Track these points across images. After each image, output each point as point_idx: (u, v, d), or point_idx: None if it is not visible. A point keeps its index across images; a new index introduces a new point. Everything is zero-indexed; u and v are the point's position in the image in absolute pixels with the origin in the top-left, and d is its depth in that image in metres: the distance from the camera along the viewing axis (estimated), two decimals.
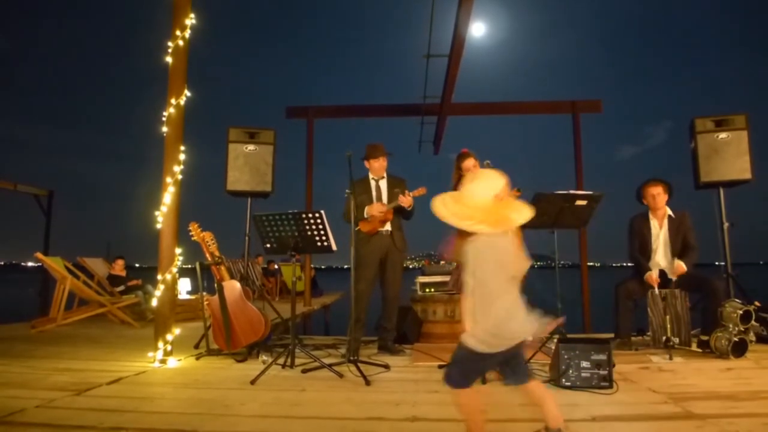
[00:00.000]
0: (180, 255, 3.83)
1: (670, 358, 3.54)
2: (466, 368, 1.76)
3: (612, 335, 4.12)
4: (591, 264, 7.80)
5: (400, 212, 4.08)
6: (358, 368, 3.13)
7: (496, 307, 1.68)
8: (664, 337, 3.75)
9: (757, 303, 4.04)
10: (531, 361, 3.35)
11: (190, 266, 4.22)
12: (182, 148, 3.89)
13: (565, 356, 2.85)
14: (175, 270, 3.79)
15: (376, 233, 3.97)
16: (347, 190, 3.63)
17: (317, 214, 3.40)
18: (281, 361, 3.43)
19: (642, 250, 4.21)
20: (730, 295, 4.56)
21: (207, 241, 4.15)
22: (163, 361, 3.59)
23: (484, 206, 1.71)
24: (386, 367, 3.43)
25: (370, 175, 4.11)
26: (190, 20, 4.00)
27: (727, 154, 4.88)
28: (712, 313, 3.76)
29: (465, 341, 1.72)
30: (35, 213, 9.50)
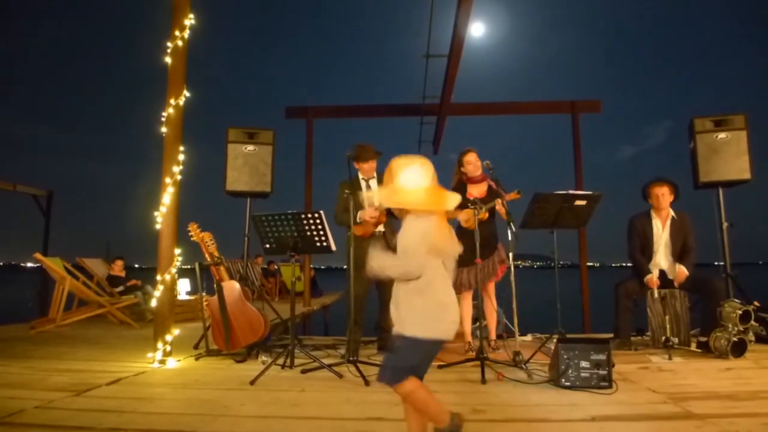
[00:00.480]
0: (179, 255, 3.83)
1: (670, 358, 3.54)
2: (403, 361, 1.70)
3: (611, 335, 4.12)
4: (590, 264, 7.80)
5: (392, 213, 4.07)
6: (358, 368, 3.13)
7: (433, 288, 1.69)
8: (663, 337, 3.76)
9: (756, 303, 4.04)
10: (531, 361, 3.35)
11: (189, 267, 4.21)
12: (181, 148, 3.89)
13: (565, 356, 2.85)
14: (174, 270, 3.79)
15: (370, 236, 3.97)
16: (346, 191, 3.62)
17: (316, 215, 3.40)
18: (281, 361, 3.43)
19: (643, 250, 4.19)
20: (730, 295, 4.56)
21: (206, 242, 4.14)
22: (162, 362, 3.59)
23: (419, 191, 1.75)
24: None
25: (361, 176, 4.11)
26: (190, 20, 4.00)
27: (727, 154, 4.87)
28: (712, 313, 3.76)
29: (403, 331, 1.69)
30: (34, 213, 9.51)
